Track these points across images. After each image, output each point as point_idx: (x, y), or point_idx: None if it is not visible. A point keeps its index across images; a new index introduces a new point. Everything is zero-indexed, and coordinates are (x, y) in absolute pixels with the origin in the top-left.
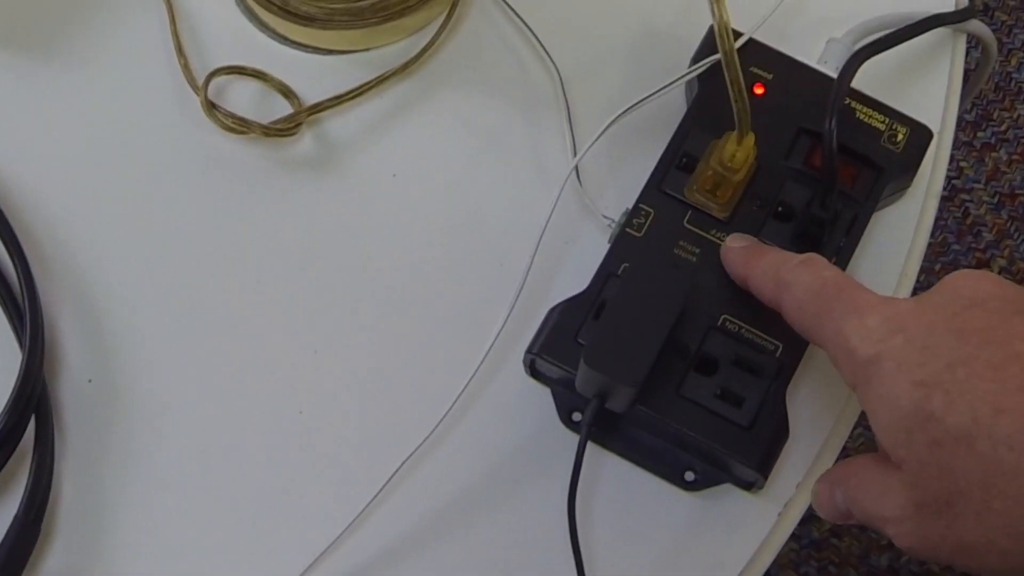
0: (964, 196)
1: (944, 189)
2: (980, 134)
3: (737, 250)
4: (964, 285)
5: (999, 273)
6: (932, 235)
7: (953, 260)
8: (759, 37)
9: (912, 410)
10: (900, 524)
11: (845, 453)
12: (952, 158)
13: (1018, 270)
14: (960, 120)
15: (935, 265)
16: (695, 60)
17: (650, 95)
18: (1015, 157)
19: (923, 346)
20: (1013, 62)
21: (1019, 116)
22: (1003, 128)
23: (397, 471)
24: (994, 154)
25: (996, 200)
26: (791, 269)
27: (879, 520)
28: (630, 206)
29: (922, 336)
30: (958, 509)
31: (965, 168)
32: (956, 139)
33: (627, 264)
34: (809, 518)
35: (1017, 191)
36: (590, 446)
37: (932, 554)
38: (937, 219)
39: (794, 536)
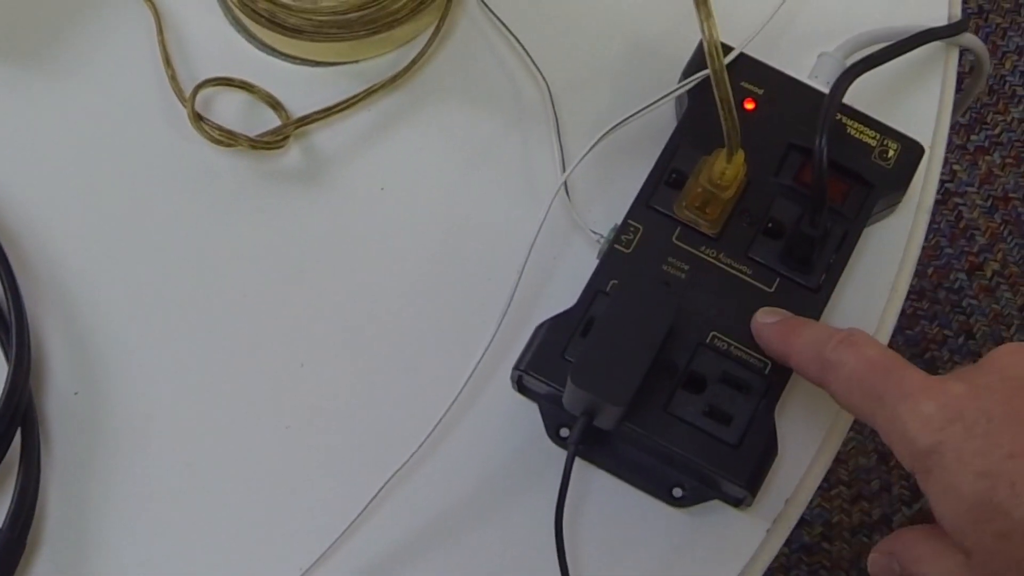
0: (957, 199)
1: (937, 193)
2: (974, 137)
3: (772, 327)
4: (1012, 364)
5: (992, 277)
6: (925, 239)
7: (946, 264)
8: (750, 51)
9: (977, 502)
10: None
11: (837, 458)
12: (945, 161)
13: (1011, 273)
14: (954, 123)
15: (928, 269)
16: (685, 75)
17: (639, 110)
18: (1008, 160)
19: (983, 434)
20: (1007, 65)
21: (1013, 119)
22: (997, 131)
23: (383, 487)
24: (987, 157)
25: (989, 203)
26: (834, 348)
27: None
28: (619, 222)
29: (981, 424)
30: None
31: (958, 171)
32: (950, 142)
33: (615, 281)
34: (800, 522)
35: (1011, 194)
36: (578, 462)
37: None
38: (930, 223)
39: (785, 540)
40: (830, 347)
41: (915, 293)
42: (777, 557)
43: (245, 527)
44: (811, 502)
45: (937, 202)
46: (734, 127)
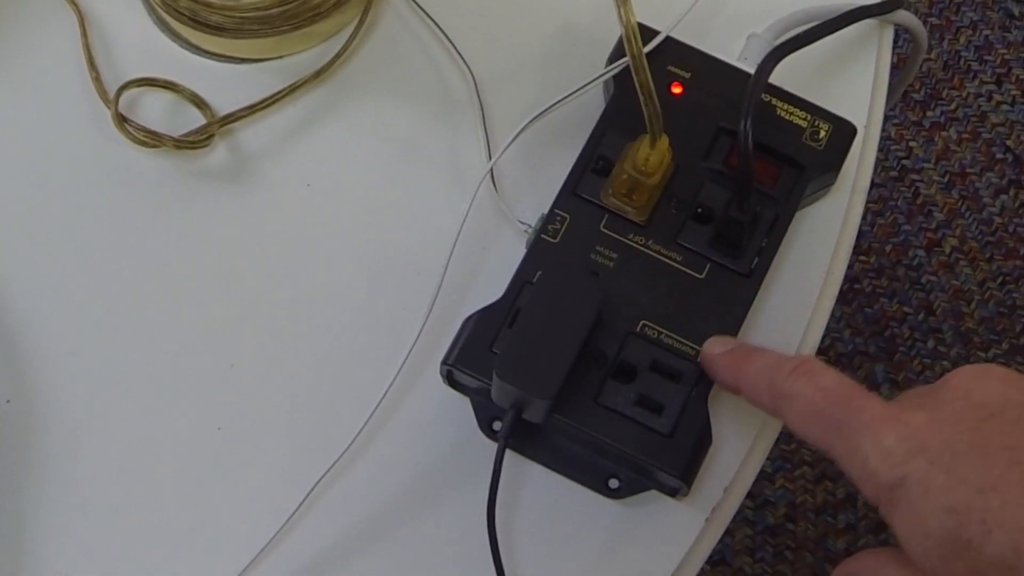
0: (914, 176)
1: (893, 169)
2: (929, 113)
3: (721, 358)
4: (974, 390)
5: (951, 253)
6: (882, 216)
7: (904, 241)
8: (678, 34)
9: (946, 539)
10: None
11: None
12: (901, 138)
13: (970, 249)
14: (908, 99)
15: (885, 246)
16: (611, 61)
17: (564, 97)
18: (965, 136)
19: (948, 468)
20: (962, 40)
21: (968, 94)
22: (952, 107)
23: (315, 486)
24: (944, 133)
25: (946, 179)
26: (787, 378)
27: None
28: (547, 211)
29: (945, 457)
30: None
31: (915, 148)
32: (905, 118)
33: (542, 272)
34: (764, 503)
35: (968, 170)
36: (512, 455)
37: None
38: (887, 200)
39: (749, 522)
40: (782, 377)
41: (874, 271)
42: (742, 539)
43: (179, 530)
44: (774, 482)
45: (894, 179)
46: (655, 113)
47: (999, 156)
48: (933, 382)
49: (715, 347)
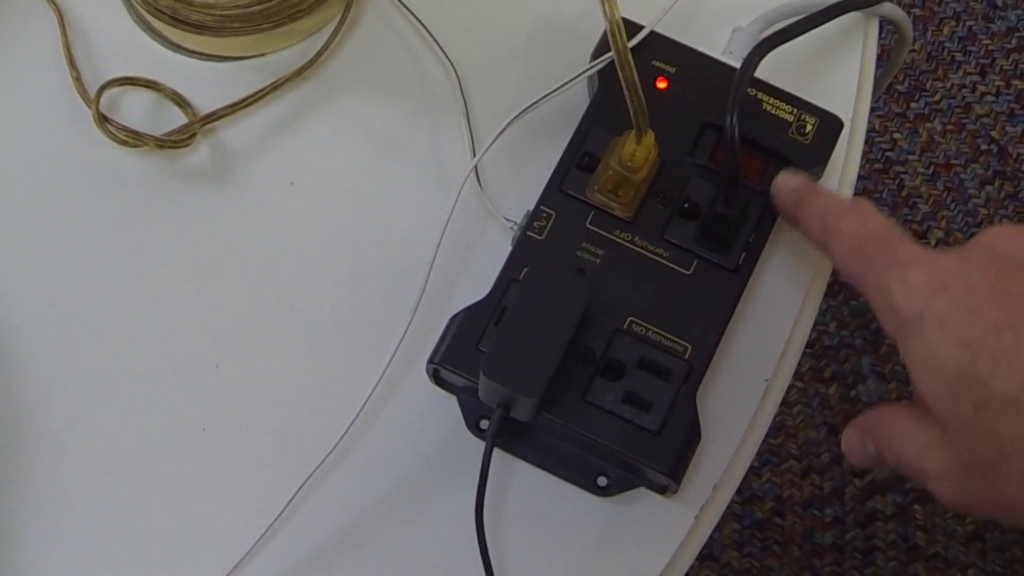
0: (899, 168)
1: (878, 161)
2: (913, 104)
3: (788, 190)
4: (1005, 243)
5: (936, 245)
6: None
7: None
8: (662, 29)
9: (957, 371)
10: (942, 481)
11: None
12: (885, 130)
13: (955, 241)
14: (892, 91)
15: None
16: (595, 56)
17: (548, 93)
18: (949, 127)
19: (967, 307)
20: (946, 31)
21: (952, 85)
22: (936, 98)
23: (302, 486)
24: (928, 124)
25: (931, 171)
26: (839, 216)
27: (919, 473)
28: (532, 208)
29: (966, 297)
30: (1003, 471)
31: (899, 140)
32: (889, 110)
33: (528, 269)
34: (751, 497)
35: (952, 161)
36: (500, 454)
37: (973, 510)
38: (872, 192)
39: (736, 516)
40: (835, 215)
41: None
42: (730, 534)
43: (166, 532)
44: (761, 477)
45: (878, 171)
46: (641, 108)
47: (984, 147)
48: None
49: (786, 180)
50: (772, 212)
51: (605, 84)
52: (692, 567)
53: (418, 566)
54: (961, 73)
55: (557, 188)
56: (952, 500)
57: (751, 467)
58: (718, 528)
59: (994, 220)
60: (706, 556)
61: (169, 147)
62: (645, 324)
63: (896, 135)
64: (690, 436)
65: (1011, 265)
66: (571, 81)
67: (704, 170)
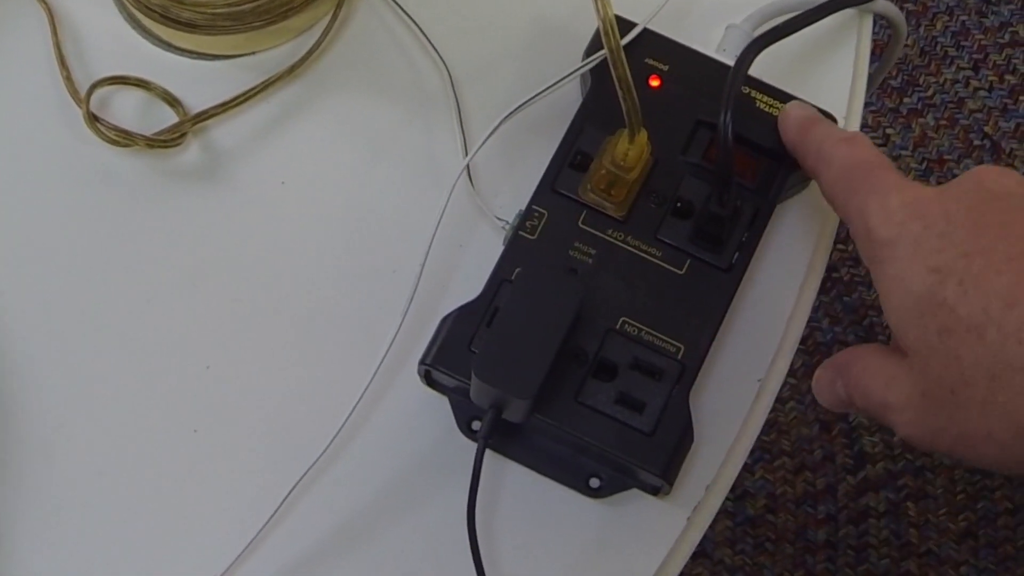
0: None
1: None
2: (906, 100)
3: (794, 118)
4: (987, 179)
5: None
6: None
7: None
8: (655, 26)
9: (924, 295)
10: (903, 412)
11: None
12: (878, 125)
13: None
14: (886, 86)
15: None
16: (588, 54)
17: (541, 91)
18: (942, 122)
19: (940, 233)
20: (939, 26)
21: (945, 80)
22: (929, 93)
23: (294, 488)
24: (921, 120)
25: (924, 166)
26: (834, 144)
27: (882, 407)
28: (524, 207)
29: (940, 223)
30: (962, 399)
31: (892, 135)
32: (882, 105)
33: (520, 269)
34: (743, 494)
35: (945, 156)
36: (492, 455)
37: (932, 442)
38: None
39: (728, 513)
40: (830, 142)
41: (852, 259)
42: (722, 531)
43: (158, 534)
44: (754, 474)
45: None
46: (634, 107)
47: (977, 142)
48: None
49: (794, 109)
50: (766, 211)
51: (598, 82)
52: (684, 564)
53: (410, 568)
54: (954, 68)
55: (549, 187)
56: (909, 432)
57: (744, 464)
58: (711, 526)
59: None
60: (699, 553)
61: (160, 146)
62: (638, 324)
63: (889, 130)
64: (683, 437)
65: (989, 196)
66: (563, 79)
67: (697, 169)
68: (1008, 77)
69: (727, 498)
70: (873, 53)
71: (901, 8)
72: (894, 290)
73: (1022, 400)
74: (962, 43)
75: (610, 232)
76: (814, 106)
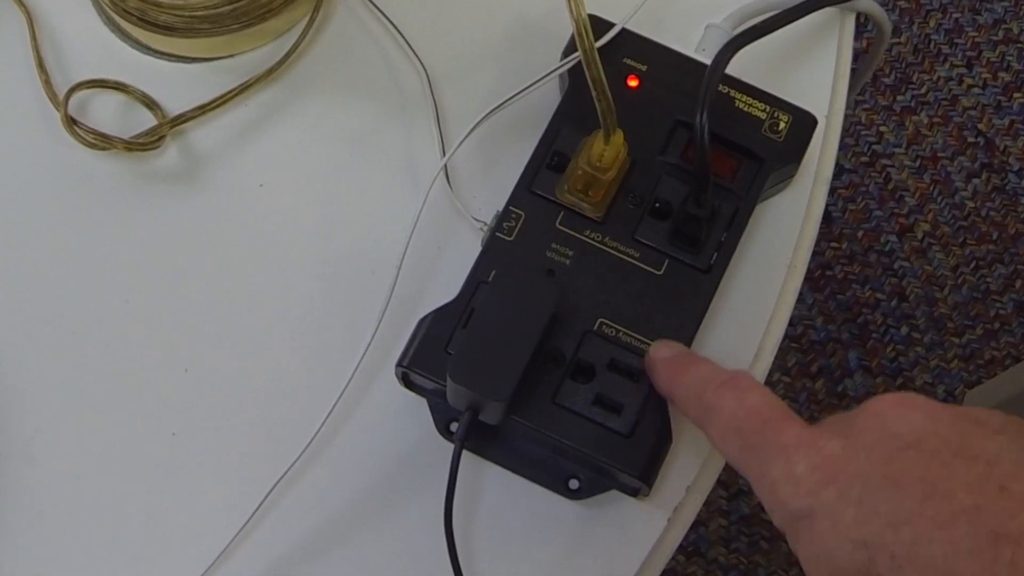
0: (885, 161)
1: (864, 154)
2: (900, 97)
3: (662, 363)
4: (892, 418)
5: (923, 239)
6: (853, 202)
7: (875, 226)
8: (633, 26)
9: (855, 573)
10: None
11: None
12: (872, 122)
13: (942, 234)
14: (879, 83)
15: (857, 232)
16: (565, 54)
17: (519, 92)
18: (936, 120)
19: (859, 500)
20: (932, 23)
21: (939, 78)
22: (923, 91)
23: (271, 491)
24: (914, 117)
25: (918, 164)
26: (715, 391)
27: None
28: (502, 208)
29: (856, 488)
30: None
31: (885, 133)
32: (875, 103)
33: (496, 270)
34: (739, 493)
35: (939, 154)
36: (470, 457)
37: None
38: (858, 185)
39: (723, 512)
40: (711, 389)
41: (845, 257)
42: (716, 530)
43: (137, 537)
44: None
45: (864, 164)
46: (608, 108)
47: (970, 140)
48: (853, 409)
49: (660, 351)
50: (745, 211)
51: (575, 83)
52: (679, 563)
53: (388, 569)
54: (948, 65)
55: (527, 188)
56: None
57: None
58: (704, 524)
59: (981, 213)
60: (693, 552)
61: (138, 149)
62: (615, 325)
63: (882, 128)
64: (661, 439)
65: (900, 445)
66: (540, 80)
67: (675, 169)
68: (1002, 74)
69: (721, 496)
70: (866, 51)
71: (894, 6)
72: (819, 568)
73: None
74: (955, 40)
75: (588, 233)
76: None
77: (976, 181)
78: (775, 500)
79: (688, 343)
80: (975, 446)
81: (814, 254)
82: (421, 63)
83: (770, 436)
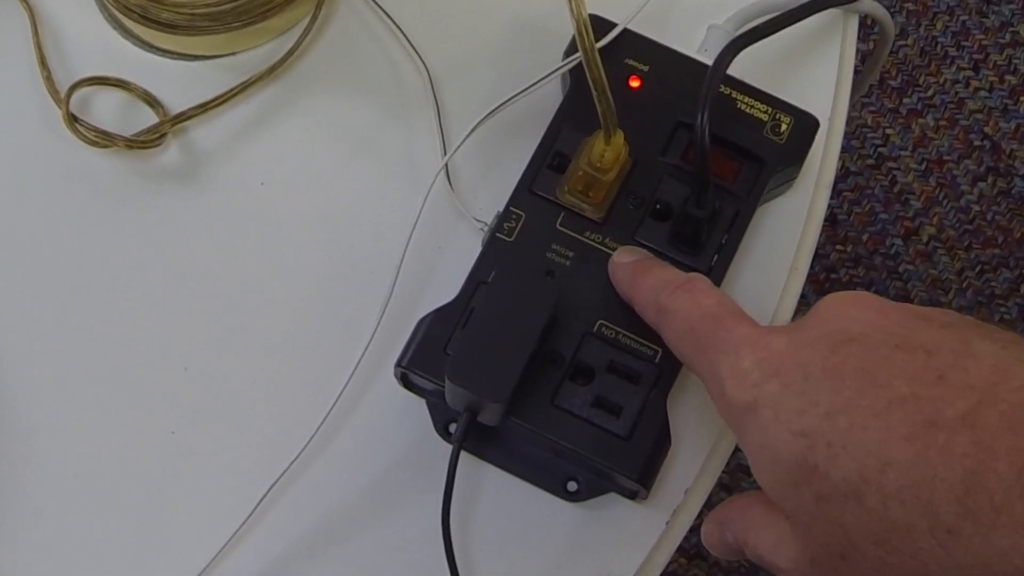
0: (891, 164)
1: (870, 157)
2: (906, 100)
3: (623, 267)
4: (840, 314)
5: (928, 242)
6: (859, 205)
7: (881, 229)
8: (635, 27)
9: (794, 463)
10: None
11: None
12: (878, 125)
13: (947, 238)
14: (885, 86)
15: (862, 235)
16: (567, 54)
17: (520, 92)
18: (942, 123)
19: (800, 391)
20: (939, 26)
21: (945, 81)
22: (929, 93)
23: (269, 491)
24: (921, 120)
25: (924, 167)
26: (671, 294)
27: (774, 568)
28: (502, 209)
29: (798, 380)
30: (853, 563)
31: (891, 135)
32: (882, 105)
33: (495, 271)
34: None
35: (945, 157)
36: (469, 458)
37: None
38: (864, 188)
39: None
40: (668, 292)
41: (851, 260)
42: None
43: (134, 536)
44: (751, 475)
45: (870, 167)
46: (609, 108)
47: (977, 143)
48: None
49: (623, 256)
50: (746, 213)
51: (576, 83)
52: (681, 566)
53: (385, 570)
54: (954, 68)
55: (527, 189)
56: None
57: (739, 463)
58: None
59: (987, 217)
60: (694, 555)
61: (139, 147)
62: (615, 327)
63: (888, 130)
64: (660, 441)
65: (842, 339)
66: (541, 80)
67: (676, 170)
68: (1009, 77)
69: (722, 499)
70: (869, 53)
71: (900, 8)
72: (763, 459)
73: (913, 562)
74: (962, 43)
75: (588, 234)
76: (648, 251)
77: (982, 185)
78: (723, 396)
79: None
80: (918, 338)
81: (819, 257)
82: (423, 62)
83: (721, 335)
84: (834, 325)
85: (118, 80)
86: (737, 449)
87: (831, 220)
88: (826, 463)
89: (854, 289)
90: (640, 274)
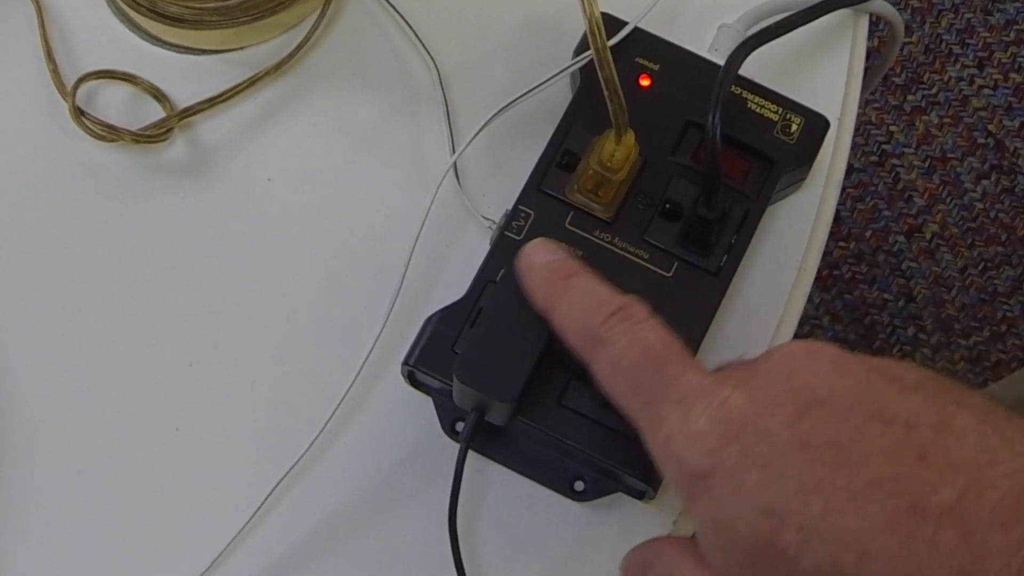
0: (894, 161)
1: (874, 154)
2: (910, 97)
3: (537, 268)
4: (799, 368)
5: (931, 239)
6: (862, 202)
7: (884, 226)
8: (646, 25)
9: (757, 544)
10: None
11: None
12: (882, 122)
13: (950, 235)
14: (889, 83)
15: (865, 232)
16: (577, 52)
17: (530, 90)
18: (946, 120)
19: (764, 463)
20: (944, 23)
21: (950, 78)
22: (933, 91)
23: (275, 488)
24: (925, 117)
25: (927, 164)
26: (606, 322)
27: None
28: (511, 208)
29: (761, 448)
30: None
31: (895, 132)
32: (886, 103)
33: (504, 270)
34: None
35: (949, 155)
36: (476, 457)
37: None
38: (867, 185)
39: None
40: (599, 318)
41: (854, 257)
42: None
43: (138, 533)
44: None
45: (874, 164)
46: (620, 108)
47: (980, 141)
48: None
49: (537, 252)
50: (756, 213)
51: (587, 81)
52: None
53: (391, 568)
54: (959, 66)
55: (536, 187)
56: None
57: None
58: None
59: (990, 214)
60: None
61: (146, 141)
62: None
63: (892, 128)
64: None
65: (807, 401)
66: (551, 78)
67: (686, 170)
68: (1013, 75)
69: None
70: (875, 50)
71: (906, 5)
72: (717, 534)
73: None
74: (967, 40)
75: (597, 233)
76: (563, 246)
77: (985, 182)
78: (669, 456)
79: (696, 346)
80: (891, 406)
81: (822, 253)
82: (432, 59)
83: (668, 381)
84: (795, 382)
85: (125, 74)
86: None
87: (834, 216)
88: (796, 548)
89: (855, 288)
90: (560, 283)
